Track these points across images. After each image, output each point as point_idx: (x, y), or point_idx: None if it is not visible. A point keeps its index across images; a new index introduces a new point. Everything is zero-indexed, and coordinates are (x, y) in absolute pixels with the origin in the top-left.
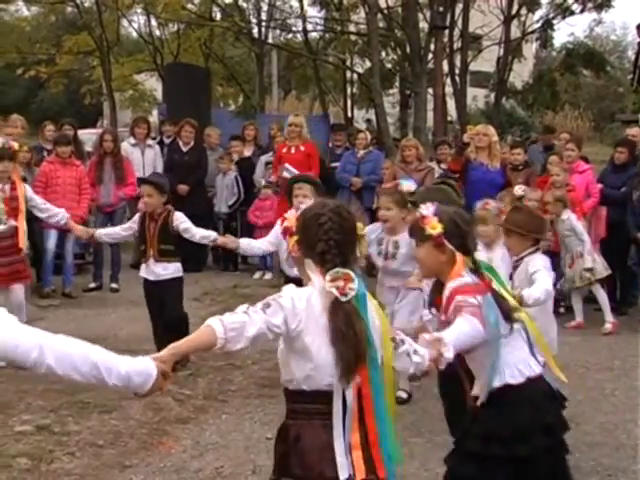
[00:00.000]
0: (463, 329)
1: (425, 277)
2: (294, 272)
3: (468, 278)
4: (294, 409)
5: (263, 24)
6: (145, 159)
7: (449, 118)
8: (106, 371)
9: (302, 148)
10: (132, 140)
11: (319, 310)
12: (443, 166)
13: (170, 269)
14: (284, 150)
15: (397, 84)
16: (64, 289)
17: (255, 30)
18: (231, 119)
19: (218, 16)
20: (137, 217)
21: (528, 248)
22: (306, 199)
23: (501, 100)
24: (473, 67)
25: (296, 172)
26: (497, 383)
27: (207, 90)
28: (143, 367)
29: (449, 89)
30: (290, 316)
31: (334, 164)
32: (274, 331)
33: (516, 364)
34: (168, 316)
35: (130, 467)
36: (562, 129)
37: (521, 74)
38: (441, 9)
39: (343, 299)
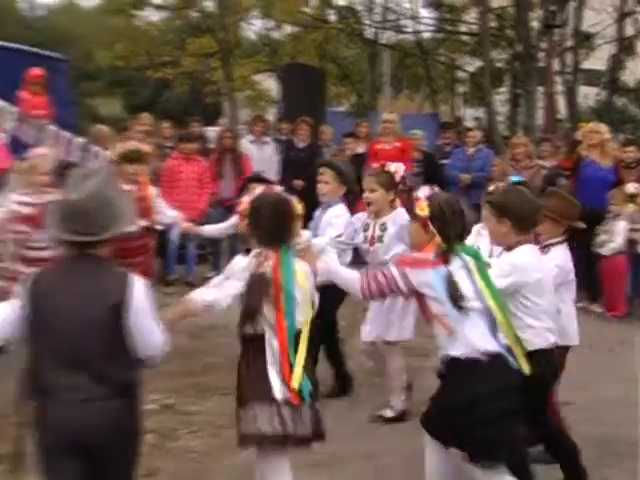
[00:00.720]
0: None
1: (411, 249)
2: None
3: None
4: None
5: (376, 25)
6: (262, 155)
7: (559, 116)
8: None
9: (396, 144)
10: (250, 137)
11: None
12: (544, 163)
13: None
14: (378, 146)
15: (507, 82)
16: (187, 277)
17: (368, 31)
18: (344, 117)
19: (333, 18)
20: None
21: (559, 235)
22: (326, 185)
23: (613, 98)
24: (585, 65)
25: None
26: (452, 353)
27: (322, 89)
28: None
29: (560, 87)
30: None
31: (443, 161)
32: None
33: (468, 341)
34: None
35: None
36: None
37: (634, 72)
38: (553, 8)
39: (258, 271)
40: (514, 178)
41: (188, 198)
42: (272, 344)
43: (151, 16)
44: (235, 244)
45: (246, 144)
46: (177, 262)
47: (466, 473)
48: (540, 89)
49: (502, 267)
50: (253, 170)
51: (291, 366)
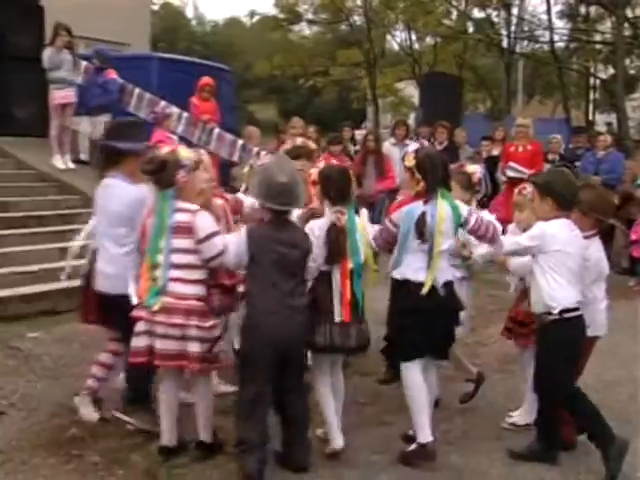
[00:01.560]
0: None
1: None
2: None
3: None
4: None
5: (512, 36)
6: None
7: None
8: None
9: (529, 147)
10: (392, 140)
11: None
12: None
13: None
14: (512, 149)
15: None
16: None
17: (504, 41)
18: (480, 121)
19: (471, 30)
20: None
21: (588, 229)
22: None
23: None
24: None
25: (522, 170)
26: (395, 275)
27: (459, 95)
28: None
29: None
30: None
31: (576, 164)
32: None
33: (408, 268)
34: None
35: (386, 424)
36: None
37: None
38: None
39: (337, 223)
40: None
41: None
42: (336, 277)
43: (305, 30)
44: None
45: (388, 146)
46: None
47: None
48: None
49: (534, 229)
50: (394, 170)
51: (352, 294)
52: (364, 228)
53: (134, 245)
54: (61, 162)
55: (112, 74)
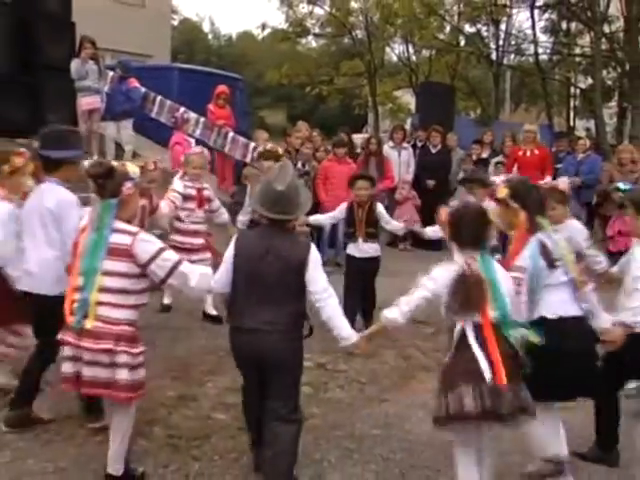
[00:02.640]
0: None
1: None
2: None
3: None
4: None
5: (500, 49)
6: (401, 159)
7: None
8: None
9: (536, 152)
10: (391, 143)
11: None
12: None
13: (374, 248)
14: (520, 153)
15: (615, 98)
16: (336, 259)
17: (493, 54)
18: (470, 126)
19: (463, 43)
20: (343, 207)
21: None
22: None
23: None
24: None
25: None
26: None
27: (452, 103)
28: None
29: None
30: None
31: (557, 165)
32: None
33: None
34: (365, 287)
35: (386, 401)
36: None
37: None
38: None
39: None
40: (622, 186)
41: (339, 193)
42: (477, 332)
43: (311, 43)
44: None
45: (388, 149)
46: (329, 246)
47: None
48: None
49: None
50: (393, 170)
51: (502, 350)
52: (504, 274)
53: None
54: (87, 162)
55: (134, 83)
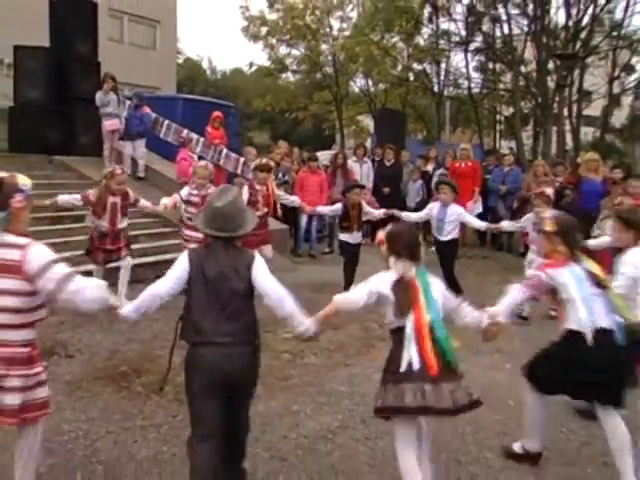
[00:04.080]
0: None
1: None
2: None
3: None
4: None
5: (441, 83)
6: (362, 171)
7: (567, 147)
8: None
9: (469, 164)
10: (354, 158)
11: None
12: (557, 179)
13: (361, 237)
14: (457, 165)
15: (531, 123)
16: (310, 252)
17: (436, 87)
18: (418, 145)
19: (411, 78)
20: (340, 206)
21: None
22: (445, 195)
23: (604, 135)
24: (585, 112)
25: None
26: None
27: (403, 126)
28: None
29: (567, 127)
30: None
31: (487, 176)
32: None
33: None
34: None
35: (350, 365)
36: None
37: (619, 118)
38: (564, 72)
39: (405, 279)
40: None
41: (313, 198)
42: (411, 333)
43: (290, 77)
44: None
45: (351, 163)
46: (304, 241)
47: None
48: (554, 128)
49: (628, 261)
50: (357, 180)
51: (436, 350)
52: (441, 288)
53: None
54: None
55: (147, 110)
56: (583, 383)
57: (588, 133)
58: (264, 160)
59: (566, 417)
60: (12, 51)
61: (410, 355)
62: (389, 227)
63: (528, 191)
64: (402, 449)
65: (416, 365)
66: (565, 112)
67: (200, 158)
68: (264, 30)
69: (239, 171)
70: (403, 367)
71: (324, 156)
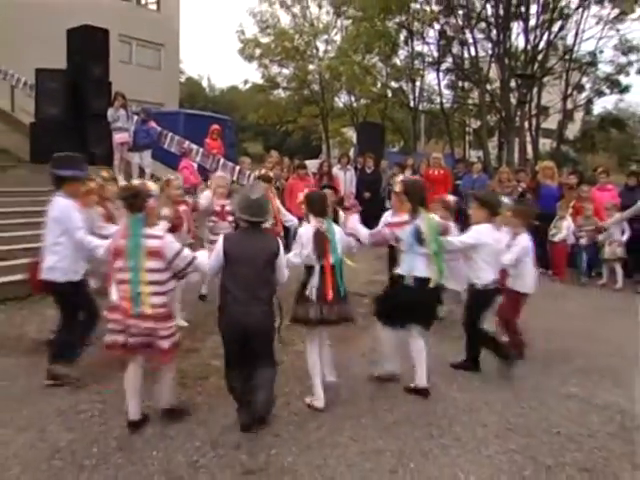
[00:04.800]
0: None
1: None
2: None
3: (405, 217)
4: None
5: (416, 99)
6: (346, 177)
7: (527, 156)
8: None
9: (442, 172)
10: (339, 166)
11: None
12: (520, 184)
13: None
14: (430, 172)
15: (496, 135)
16: None
17: (411, 103)
18: (396, 155)
19: (390, 94)
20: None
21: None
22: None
23: (560, 146)
24: (543, 126)
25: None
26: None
27: (382, 137)
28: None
29: (528, 139)
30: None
31: (457, 182)
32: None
33: (414, 267)
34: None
35: (334, 352)
36: (598, 165)
37: (573, 130)
38: (524, 90)
39: (320, 229)
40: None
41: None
42: (317, 270)
43: (281, 93)
44: None
45: (336, 170)
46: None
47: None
48: (516, 139)
49: (472, 231)
50: (340, 185)
51: (334, 282)
52: (341, 234)
53: (63, 246)
54: (122, 181)
55: (152, 124)
56: (405, 313)
57: (546, 144)
58: (263, 171)
59: (526, 395)
60: (34, 74)
61: (315, 285)
62: (306, 192)
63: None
64: (309, 348)
65: (319, 292)
66: (526, 125)
67: (200, 166)
68: (258, 52)
69: (235, 178)
70: (311, 293)
71: (312, 164)
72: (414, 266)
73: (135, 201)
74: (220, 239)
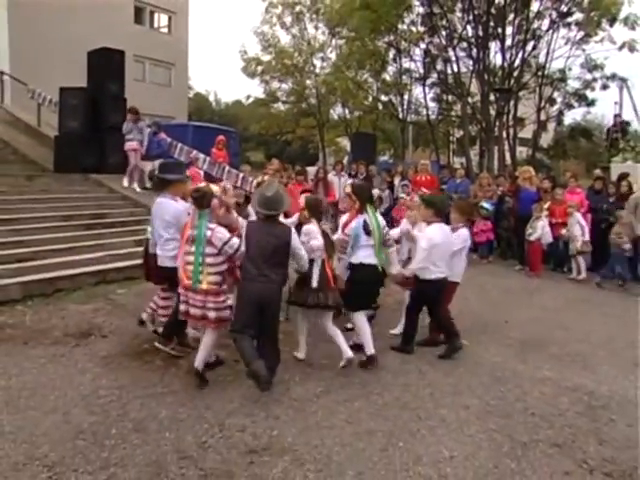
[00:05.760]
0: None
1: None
2: None
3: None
4: None
5: (404, 111)
6: (340, 183)
7: (506, 163)
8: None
9: (428, 177)
10: (334, 172)
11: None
12: (499, 188)
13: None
14: (418, 177)
15: (477, 144)
16: None
17: (400, 114)
18: (385, 162)
19: (380, 107)
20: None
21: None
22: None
23: (535, 153)
24: (520, 135)
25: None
26: (354, 261)
27: (374, 146)
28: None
29: (506, 147)
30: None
31: (442, 186)
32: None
33: (363, 256)
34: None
35: (330, 342)
36: (567, 170)
37: (546, 139)
38: (502, 103)
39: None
40: (485, 204)
41: (299, 207)
42: (319, 263)
43: (280, 107)
44: None
45: (331, 176)
46: None
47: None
48: (496, 147)
49: (426, 233)
50: (336, 190)
51: (332, 272)
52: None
53: (176, 240)
54: (126, 182)
55: (163, 135)
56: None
57: (523, 151)
58: (261, 177)
59: (505, 380)
60: (58, 92)
61: (316, 275)
62: (304, 197)
63: (475, 197)
64: (300, 317)
65: (321, 280)
66: (504, 135)
67: (206, 174)
68: (260, 69)
69: (239, 184)
70: (313, 283)
71: (310, 171)
72: (363, 255)
73: (202, 201)
74: (245, 225)
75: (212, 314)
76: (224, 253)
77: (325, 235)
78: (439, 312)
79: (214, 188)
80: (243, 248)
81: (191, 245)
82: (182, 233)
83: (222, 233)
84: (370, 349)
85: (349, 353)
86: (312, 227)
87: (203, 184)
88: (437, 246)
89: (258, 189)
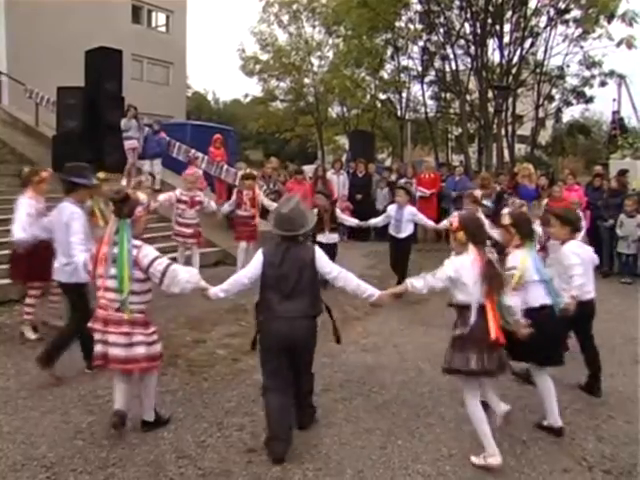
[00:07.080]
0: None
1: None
2: None
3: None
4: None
5: (403, 109)
6: (339, 181)
7: (505, 160)
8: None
9: (432, 175)
10: (332, 171)
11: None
12: (499, 185)
13: (336, 237)
14: (422, 175)
15: (476, 141)
16: None
17: (399, 112)
18: (384, 159)
19: (379, 105)
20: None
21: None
22: (401, 198)
23: (533, 151)
24: (518, 132)
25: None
26: (533, 304)
27: (372, 144)
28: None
29: (505, 144)
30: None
31: (441, 183)
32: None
33: (537, 296)
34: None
35: (330, 341)
36: (566, 167)
37: (545, 136)
38: (500, 100)
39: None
40: (484, 202)
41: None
42: (477, 310)
43: (278, 105)
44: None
45: (330, 174)
46: None
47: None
48: (494, 145)
49: (570, 250)
50: (334, 188)
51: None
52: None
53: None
54: (125, 182)
55: (162, 134)
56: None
57: (521, 149)
58: (248, 170)
59: (505, 378)
60: (56, 91)
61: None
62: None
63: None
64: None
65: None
66: (502, 132)
67: (205, 173)
68: (258, 67)
69: (237, 183)
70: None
71: (308, 169)
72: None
73: (123, 206)
74: (260, 251)
75: (141, 350)
76: (152, 276)
77: (490, 266)
78: (592, 338)
79: (141, 196)
80: (251, 273)
81: (110, 267)
82: (96, 250)
83: (149, 251)
84: (557, 420)
85: (505, 407)
86: (466, 259)
87: (129, 190)
88: (584, 263)
89: (275, 207)
